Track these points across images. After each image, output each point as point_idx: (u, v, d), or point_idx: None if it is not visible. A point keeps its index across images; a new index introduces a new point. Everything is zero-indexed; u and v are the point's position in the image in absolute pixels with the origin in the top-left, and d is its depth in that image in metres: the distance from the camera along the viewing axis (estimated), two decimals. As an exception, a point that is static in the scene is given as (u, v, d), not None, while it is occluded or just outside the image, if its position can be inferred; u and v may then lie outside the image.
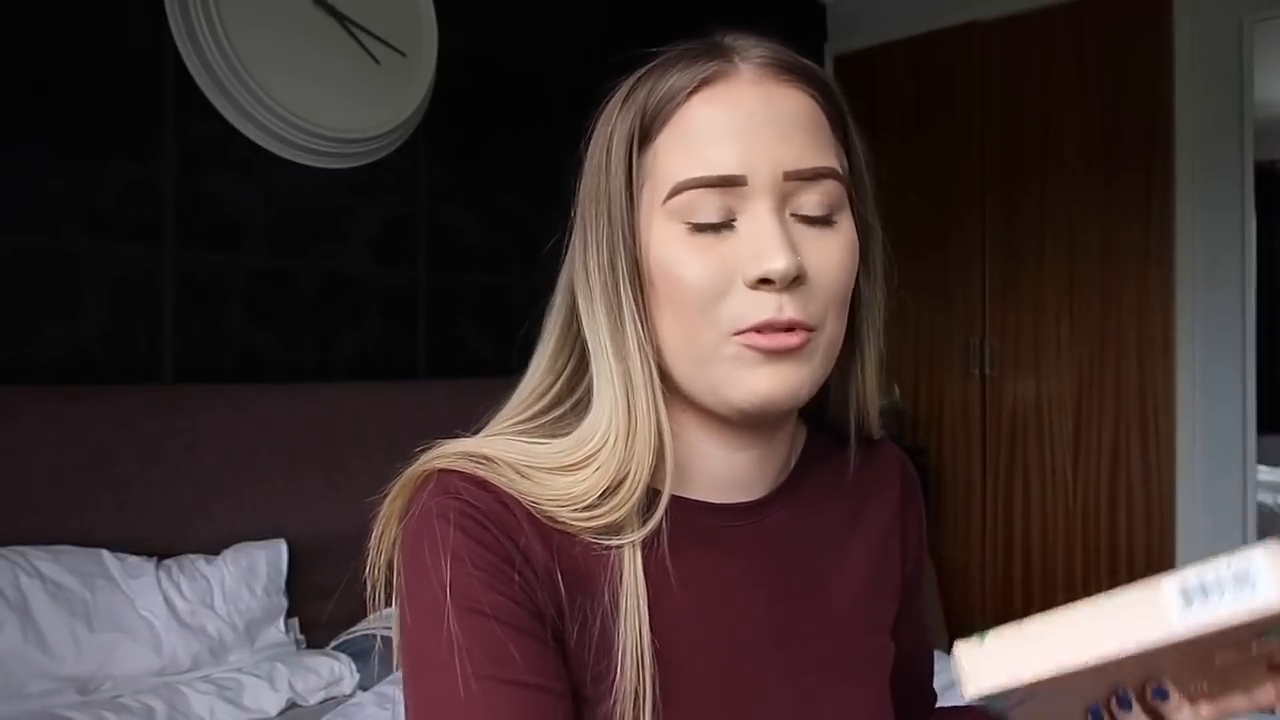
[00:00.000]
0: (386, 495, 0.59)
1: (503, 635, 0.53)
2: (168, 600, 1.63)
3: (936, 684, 0.81)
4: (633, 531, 0.57)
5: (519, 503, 0.56)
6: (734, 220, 0.56)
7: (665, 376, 0.59)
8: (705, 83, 0.56)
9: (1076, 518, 3.10)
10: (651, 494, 0.58)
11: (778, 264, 0.54)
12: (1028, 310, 3.21)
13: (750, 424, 0.60)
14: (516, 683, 0.52)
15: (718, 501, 0.63)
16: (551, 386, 0.63)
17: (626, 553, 0.57)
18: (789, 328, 0.55)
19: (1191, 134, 2.91)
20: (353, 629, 1.82)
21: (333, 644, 1.80)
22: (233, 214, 2.03)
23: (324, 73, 2.10)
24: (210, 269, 1.99)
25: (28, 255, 1.74)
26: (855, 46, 3.65)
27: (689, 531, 0.60)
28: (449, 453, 0.58)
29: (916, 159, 3.41)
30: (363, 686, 1.66)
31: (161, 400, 1.80)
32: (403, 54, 2.25)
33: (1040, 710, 0.52)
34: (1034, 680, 0.47)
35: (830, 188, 0.57)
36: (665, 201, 0.56)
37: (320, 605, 1.81)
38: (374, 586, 0.58)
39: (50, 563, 1.54)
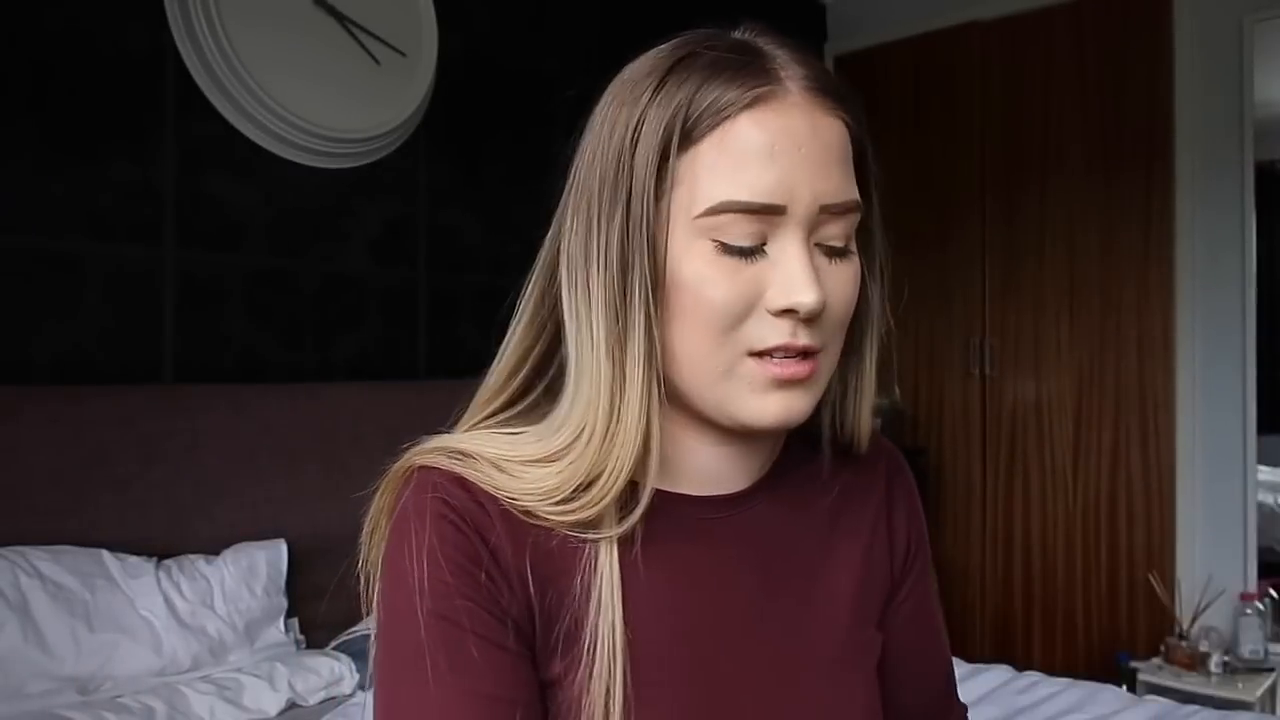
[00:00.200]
0: (375, 492, 0.61)
1: (466, 642, 0.54)
2: (168, 600, 1.63)
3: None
4: (611, 525, 0.57)
5: (495, 500, 0.56)
6: (764, 245, 0.56)
7: (664, 381, 0.59)
8: (758, 100, 0.55)
9: (1076, 518, 3.10)
10: (633, 486, 0.58)
11: (806, 299, 0.55)
12: (1028, 310, 3.21)
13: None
14: (475, 692, 0.53)
15: (699, 494, 0.63)
16: (520, 368, 0.64)
17: (603, 546, 0.57)
18: (801, 354, 0.56)
19: (1191, 134, 2.91)
20: (352, 629, 1.82)
21: (333, 644, 1.80)
22: (233, 214, 2.03)
23: (324, 73, 2.10)
24: (210, 269, 1.99)
25: (28, 255, 1.74)
26: (855, 46, 3.65)
27: (669, 524, 0.61)
28: (430, 449, 0.59)
29: (916, 159, 3.41)
30: (362, 686, 1.66)
31: (161, 400, 1.80)
32: (403, 54, 2.25)
33: None
34: None
35: (853, 219, 0.59)
36: (698, 216, 0.55)
37: (320, 605, 1.81)
38: (367, 580, 0.59)
39: (50, 563, 1.54)
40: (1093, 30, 3.08)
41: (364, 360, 2.27)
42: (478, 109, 2.51)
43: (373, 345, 2.29)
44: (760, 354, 0.56)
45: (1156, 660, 2.77)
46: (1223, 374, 2.87)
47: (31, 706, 1.40)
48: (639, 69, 0.59)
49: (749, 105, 0.55)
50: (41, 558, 1.54)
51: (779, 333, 0.56)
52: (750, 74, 0.56)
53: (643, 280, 0.56)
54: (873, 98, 3.54)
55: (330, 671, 1.65)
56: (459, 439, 0.60)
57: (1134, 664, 2.78)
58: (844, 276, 0.58)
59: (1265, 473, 2.86)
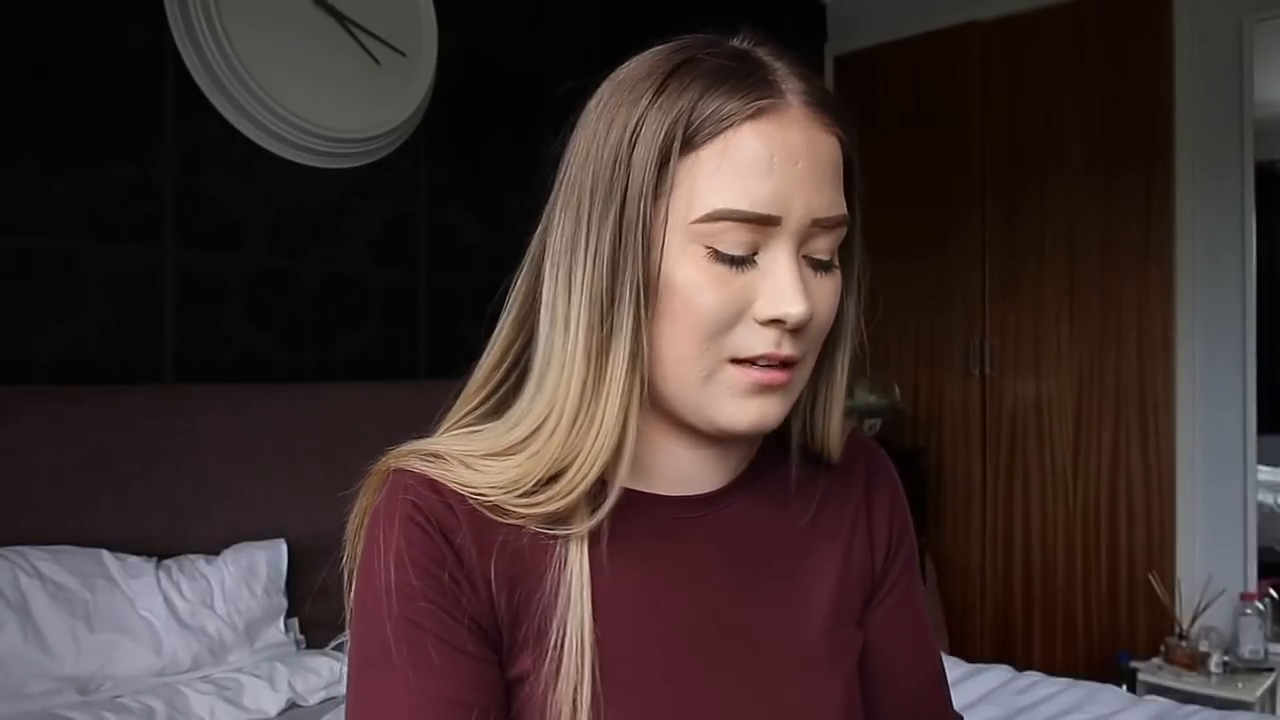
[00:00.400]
0: (358, 493, 0.62)
1: (427, 644, 0.55)
2: (168, 600, 1.63)
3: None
4: (582, 521, 0.58)
5: (464, 500, 0.57)
6: (755, 255, 0.57)
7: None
8: (760, 112, 0.56)
9: (1076, 518, 3.10)
10: (604, 484, 0.58)
11: (795, 310, 0.56)
12: (1028, 310, 3.22)
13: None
14: (433, 694, 0.55)
15: (672, 494, 0.64)
16: (503, 362, 0.65)
17: (573, 543, 0.58)
18: (783, 363, 0.58)
19: (1191, 134, 2.91)
20: (353, 629, 1.82)
21: (333, 644, 1.80)
22: (233, 214, 2.03)
23: (324, 73, 2.10)
24: (210, 269, 1.99)
25: (28, 255, 1.74)
26: (855, 46, 3.65)
27: (644, 523, 0.62)
28: (405, 451, 0.61)
29: (916, 159, 3.41)
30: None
31: (162, 400, 1.80)
32: (403, 54, 2.25)
33: None
34: None
35: (840, 233, 0.60)
36: (694, 222, 0.56)
37: (320, 605, 1.81)
38: (350, 578, 0.61)
39: (50, 563, 1.54)
40: (1093, 30, 3.08)
41: (364, 360, 2.27)
42: (478, 109, 2.51)
43: (373, 345, 2.29)
44: (742, 361, 0.57)
45: (1156, 660, 2.77)
46: (1223, 374, 2.87)
47: (31, 706, 1.40)
48: (637, 70, 0.59)
49: (751, 116, 0.56)
50: (41, 558, 1.54)
51: (764, 342, 0.57)
52: (753, 85, 0.56)
53: (634, 282, 0.56)
54: (873, 98, 3.54)
55: (330, 671, 1.65)
56: (432, 441, 0.61)
57: (1134, 664, 2.78)
58: (827, 289, 0.60)
59: (1265, 473, 2.86)
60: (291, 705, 1.58)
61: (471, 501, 0.57)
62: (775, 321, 0.57)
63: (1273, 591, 2.80)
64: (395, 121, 2.23)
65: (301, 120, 2.04)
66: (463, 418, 0.65)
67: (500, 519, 0.57)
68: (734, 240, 0.56)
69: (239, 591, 1.73)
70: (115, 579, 1.60)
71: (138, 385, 1.84)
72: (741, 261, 0.56)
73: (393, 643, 0.55)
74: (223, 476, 1.84)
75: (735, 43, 0.60)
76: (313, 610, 1.85)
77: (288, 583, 1.83)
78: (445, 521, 0.57)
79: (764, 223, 0.56)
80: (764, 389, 0.58)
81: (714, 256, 0.56)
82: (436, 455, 0.59)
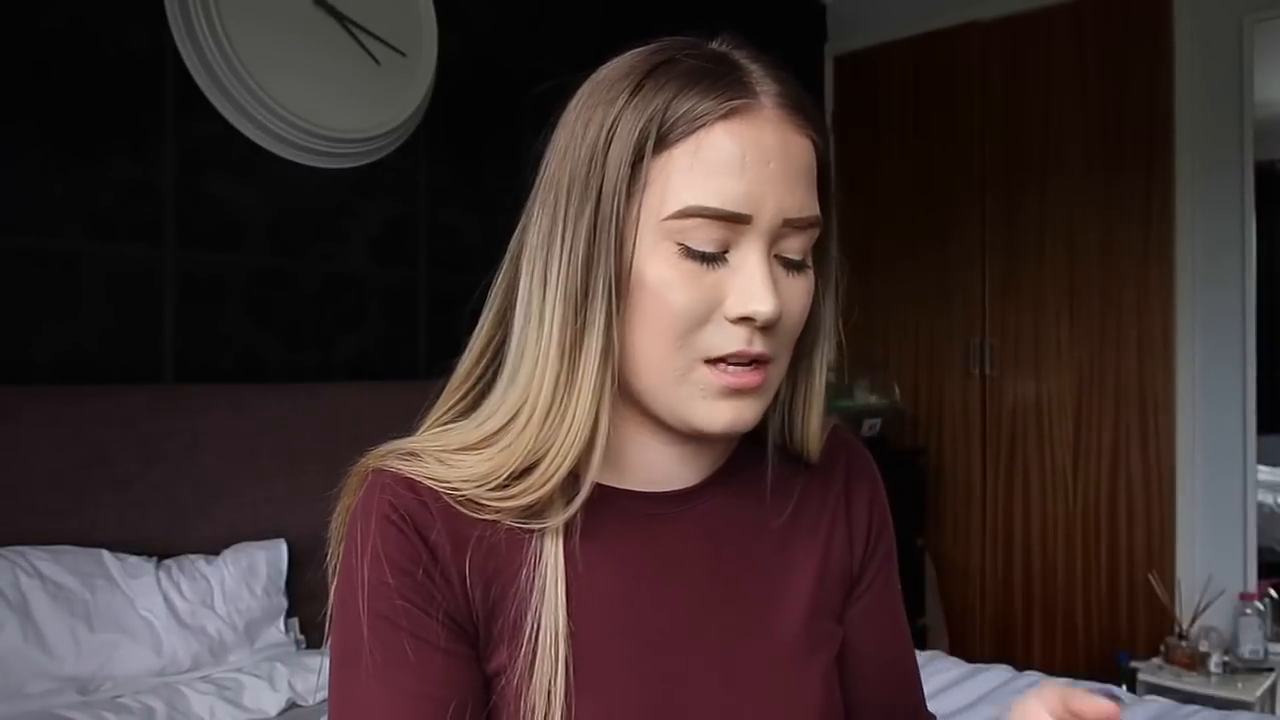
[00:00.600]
0: (341, 493, 0.63)
1: (401, 641, 0.56)
2: (168, 600, 1.63)
3: (944, 694, 0.77)
4: (556, 515, 0.59)
5: (439, 497, 0.58)
6: (726, 253, 0.58)
7: (618, 379, 0.60)
8: (733, 113, 0.57)
9: (1076, 518, 3.10)
10: (578, 479, 0.59)
11: (764, 308, 0.57)
12: (1028, 310, 3.22)
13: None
14: (406, 690, 0.56)
15: (648, 490, 0.64)
16: (483, 358, 0.66)
17: (548, 537, 0.59)
18: (754, 361, 0.58)
19: (1191, 134, 2.91)
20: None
21: (332, 644, 1.80)
22: (233, 214, 2.03)
23: (324, 73, 2.10)
24: (210, 269, 1.99)
25: (28, 255, 1.74)
26: (855, 46, 3.65)
27: (619, 519, 0.62)
28: (384, 451, 0.62)
29: (916, 159, 3.41)
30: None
31: (162, 400, 1.80)
32: (403, 54, 2.25)
33: None
34: None
35: (813, 234, 0.61)
36: (666, 219, 0.57)
37: (320, 605, 1.81)
38: (333, 576, 0.62)
39: (50, 563, 1.54)
40: (1093, 30, 3.08)
41: (364, 360, 2.27)
42: (478, 109, 2.51)
43: (373, 345, 2.29)
44: (714, 361, 0.58)
45: (1156, 660, 2.77)
46: (1223, 374, 2.87)
47: (31, 706, 1.40)
48: (615, 70, 0.60)
49: (724, 116, 0.57)
50: (41, 558, 1.54)
51: (735, 340, 0.58)
52: (727, 85, 0.57)
53: (607, 278, 0.57)
54: (873, 98, 3.54)
55: (330, 671, 1.65)
56: (410, 440, 0.62)
57: (1134, 664, 2.78)
58: (799, 289, 0.60)
59: (1265, 473, 2.86)
60: (291, 705, 1.58)
61: (446, 497, 0.58)
62: (745, 319, 0.57)
63: (1272, 591, 2.80)
64: (395, 121, 2.23)
65: (301, 120, 2.04)
66: (443, 414, 0.65)
67: (475, 514, 0.58)
68: (705, 237, 0.57)
69: (239, 591, 1.73)
70: (115, 579, 1.60)
71: (138, 385, 1.84)
72: (712, 259, 0.57)
73: (369, 641, 0.56)
74: (223, 476, 1.84)
75: (714, 45, 0.61)
76: (312, 610, 1.85)
77: (288, 583, 1.83)
78: (420, 519, 0.58)
79: (735, 221, 0.56)
80: (736, 392, 0.59)
81: (685, 253, 0.57)
82: (413, 453, 0.60)
